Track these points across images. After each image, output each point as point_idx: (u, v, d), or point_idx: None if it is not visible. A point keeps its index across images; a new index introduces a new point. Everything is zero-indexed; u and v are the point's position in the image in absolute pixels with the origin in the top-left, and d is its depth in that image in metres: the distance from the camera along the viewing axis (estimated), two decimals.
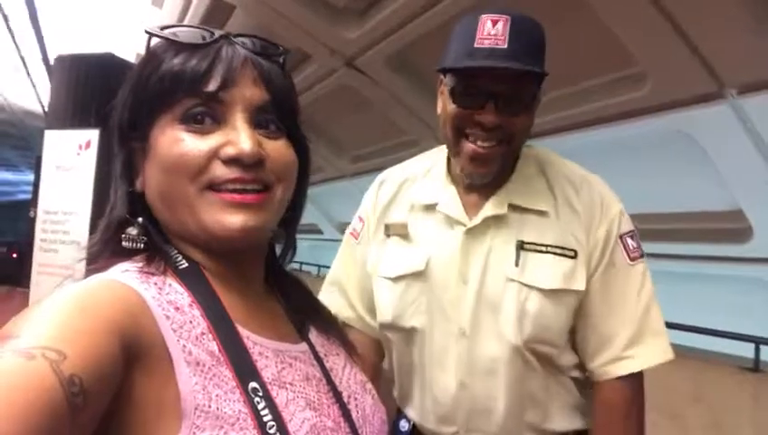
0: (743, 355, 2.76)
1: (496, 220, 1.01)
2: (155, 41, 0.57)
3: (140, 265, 0.53)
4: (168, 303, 0.49)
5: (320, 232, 7.77)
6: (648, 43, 2.23)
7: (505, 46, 0.88)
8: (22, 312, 0.43)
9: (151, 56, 0.56)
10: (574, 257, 0.98)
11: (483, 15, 0.91)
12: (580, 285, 0.98)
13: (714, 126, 2.33)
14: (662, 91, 2.36)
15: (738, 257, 2.91)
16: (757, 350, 2.65)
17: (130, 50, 4.09)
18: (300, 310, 0.66)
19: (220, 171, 0.52)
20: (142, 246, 0.55)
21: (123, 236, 0.56)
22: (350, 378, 0.63)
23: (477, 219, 1.01)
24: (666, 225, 2.94)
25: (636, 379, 0.99)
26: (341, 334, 0.71)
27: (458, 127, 0.96)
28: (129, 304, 0.46)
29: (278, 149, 0.57)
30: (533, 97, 0.96)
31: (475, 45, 0.90)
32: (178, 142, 0.52)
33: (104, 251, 0.56)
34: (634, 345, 0.98)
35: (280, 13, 3.21)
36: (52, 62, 3.88)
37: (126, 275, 0.50)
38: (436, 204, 1.06)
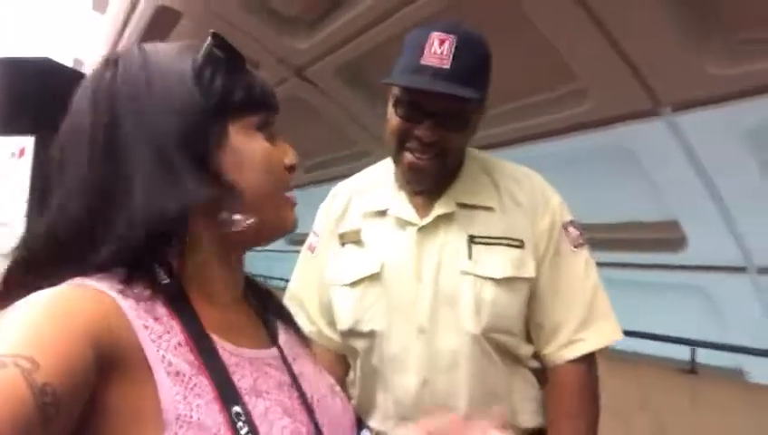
0: (679, 358, 2.91)
1: (446, 218, 1.05)
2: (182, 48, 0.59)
3: (118, 276, 0.51)
4: (145, 312, 0.49)
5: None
6: (588, 61, 2.33)
7: (448, 67, 0.92)
8: None
9: (208, 60, 0.57)
10: (522, 247, 1.03)
11: (432, 33, 0.94)
12: (530, 272, 1.02)
13: (650, 141, 2.45)
14: (602, 107, 2.46)
15: (674, 265, 3.05)
16: (693, 353, 2.79)
17: (68, 55, 3.93)
18: (267, 311, 0.68)
19: (287, 176, 0.63)
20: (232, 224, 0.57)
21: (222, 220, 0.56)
22: (318, 381, 0.64)
23: (429, 218, 1.05)
24: (605, 234, 3.06)
25: (589, 361, 1.04)
26: (301, 334, 0.72)
27: (400, 139, 1.01)
28: (105, 311, 0.46)
29: None
30: (472, 114, 1.01)
31: (421, 62, 0.94)
32: (265, 147, 0.59)
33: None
34: (584, 329, 1.03)
35: (228, 21, 3.17)
36: None
37: (103, 282, 0.49)
38: (387, 209, 1.10)
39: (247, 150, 0.58)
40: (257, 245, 0.62)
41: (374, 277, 1.06)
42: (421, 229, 1.05)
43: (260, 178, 0.58)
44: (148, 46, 0.59)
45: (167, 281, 0.53)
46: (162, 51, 0.59)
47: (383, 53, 2.95)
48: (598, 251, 1.12)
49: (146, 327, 0.48)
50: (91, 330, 0.43)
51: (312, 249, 1.19)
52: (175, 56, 0.58)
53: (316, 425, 0.58)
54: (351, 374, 1.15)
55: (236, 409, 0.48)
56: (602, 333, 1.04)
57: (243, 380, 0.52)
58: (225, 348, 0.53)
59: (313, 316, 1.16)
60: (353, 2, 2.73)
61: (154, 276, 0.52)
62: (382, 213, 1.10)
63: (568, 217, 1.08)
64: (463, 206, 1.06)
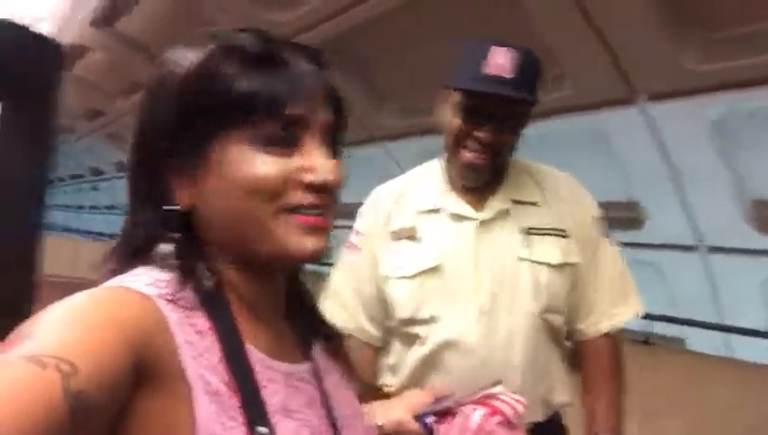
0: (635, 329, 3.13)
1: (501, 213, 1.16)
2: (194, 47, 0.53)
3: (165, 281, 0.50)
4: (189, 326, 0.48)
5: None
6: (570, 47, 2.42)
7: (510, 77, 1.04)
8: (40, 313, 0.42)
9: (205, 66, 0.51)
10: (567, 237, 1.16)
11: (492, 46, 1.07)
12: (576, 258, 1.16)
13: (624, 127, 2.59)
14: (580, 94, 2.57)
15: (633, 243, 3.26)
16: (649, 326, 3.01)
17: (32, 16, 3.68)
18: (308, 324, 0.65)
19: (299, 196, 0.51)
20: (174, 262, 0.52)
21: (153, 253, 0.52)
22: (345, 401, 0.63)
23: (489, 213, 1.16)
24: None
25: (620, 333, 1.20)
26: (343, 351, 0.69)
27: (459, 138, 1.12)
28: (150, 323, 0.45)
29: (338, 171, 0.54)
30: (525, 118, 1.15)
31: (485, 72, 1.05)
32: (255, 163, 0.50)
33: (122, 272, 0.52)
34: (617, 305, 1.19)
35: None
36: None
37: (151, 288, 0.48)
38: (440, 207, 1.18)
39: (228, 167, 0.51)
40: (279, 270, 0.58)
41: (433, 269, 1.14)
42: (481, 223, 1.15)
43: (237, 198, 0.51)
44: (172, 51, 0.54)
45: (210, 287, 0.52)
46: (183, 52, 0.53)
47: (362, 31, 2.95)
48: None
49: (188, 343, 0.47)
50: (135, 341, 0.43)
51: (352, 248, 1.25)
52: (183, 59, 0.52)
53: None
54: (391, 359, 1.22)
55: (262, 430, 0.48)
56: (632, 308, 1.20)
57: (275, 396, 0.52)
58: (260, 361, 0.53)
59: (354, 312, 1.22)
60: None
61: (200, 280, 0.51)
62: (436, 210, 1.19)
63: (598, 212, 1.23)
64: (515, 202, 1.17)
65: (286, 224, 0.51)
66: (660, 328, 3.11)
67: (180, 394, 0.45)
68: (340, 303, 1.23)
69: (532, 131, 2.95)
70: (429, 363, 1.14)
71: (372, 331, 1.22)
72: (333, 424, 0.57)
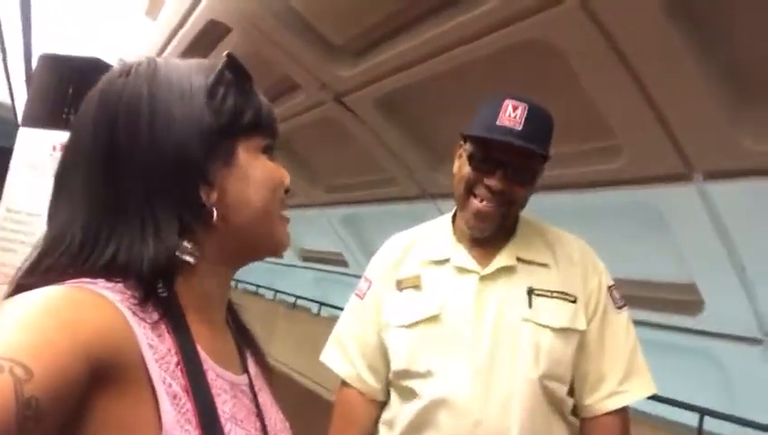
0: (687, 423, 2.89)
1: (507, 270, 1.15)
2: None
3: (122, 285, 0.51)
4: (152, 330, 0.50)
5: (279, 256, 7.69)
6: (627, 121, 2.38)
7: (521, 129, 1.07)
8: None
9: (221, 80, 0.59)
10: (575, 302, 1.13)
11: (506, 100, 1.10)
12: (582, 325, 1.13)
13: (679, 204, 2.48)
14: (635, 166, 2.50)
15: (688, 329, 3.06)
16: (701, 420, 2.77)
17: (115, 56, 4.04)
18: (242, 338, 0.69)
19: (284, 197, 0.65)
20: (196, 258, 0.56)
21: (179, 249, 0.55)
22: (276, 417, 0.65)
23: (491, 268, 1.14)
24: (625, 291, 3.06)
25: (626, 413, 1.15)
26: (268, 368, 0.73)
27: (469, 186, 1.14)
28: (111, 325, 0.46)
29: None
30: (535, 173, 1.15)
31: (497, 123, 1.08)
32: (270, 167, 0.63)
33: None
34: (626, 381, 1.13)
35: (276, 42, 3.26)
36: (34, 58, 3.79)
37: (115, 293, 0.49)
38: (447, 259, 1.18)
39: (253, 168, 0.60)
40: (254, 260, 0.66)
41: (433, 319, 1.13)
42: (483, 278, 1.13)
43: (263, 194, 0.61)
44: (162, 60, 0.60)
45: (165, 295, 0.53)
46: (174, 66, 0.59)
47: (419, 90, 3.03)
48: None
49: (151, 347, 0.48)
50: (94, 343, 0.43)
51: (360, 296, 1.26)
52: (187, 72, 0.59)
53: None
54: (388, 414, 1.19)
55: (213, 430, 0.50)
56: (642, 386, 1.14)
57: (224, 405, 0.54)
58: (213, 370, 0.55)
59: (354, 359, 1.21)
60: (400, 38, 2.81)
61: (156, 290, 0.53)
62: (442, 262, 1.19)
63: (611, 282, 1.19)
64: (521, 260, 1.16)
65: (281, 219, 0.64)
66: (713, 425, 2.85)
67: (144, 396, 0.46)
68: (342, 350, 1.23)
69: (583, 201, 2.91)
70: (423, 420, 1.10)
71: (371, 381, 1.19)
72: None
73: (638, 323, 3.21)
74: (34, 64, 3.61)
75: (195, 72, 0.59)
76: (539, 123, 1.10)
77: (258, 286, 8.44)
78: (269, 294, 7.98)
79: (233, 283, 0.70)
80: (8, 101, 6.97)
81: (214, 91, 0.58)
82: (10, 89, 6.13)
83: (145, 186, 0.54)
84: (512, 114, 1.08)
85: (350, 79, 3.24)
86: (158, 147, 0.55)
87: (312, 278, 6.83)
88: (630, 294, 3.04)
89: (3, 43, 4.47)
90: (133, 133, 0.55)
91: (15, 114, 4.47)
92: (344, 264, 5.66)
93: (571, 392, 1.13)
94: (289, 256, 7.27)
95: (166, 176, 0.54)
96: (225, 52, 0.61)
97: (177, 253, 0.55)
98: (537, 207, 3.02)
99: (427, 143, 3.56)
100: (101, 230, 0.53)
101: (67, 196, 0.56)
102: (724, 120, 2.06)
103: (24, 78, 4.38)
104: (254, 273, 8.90)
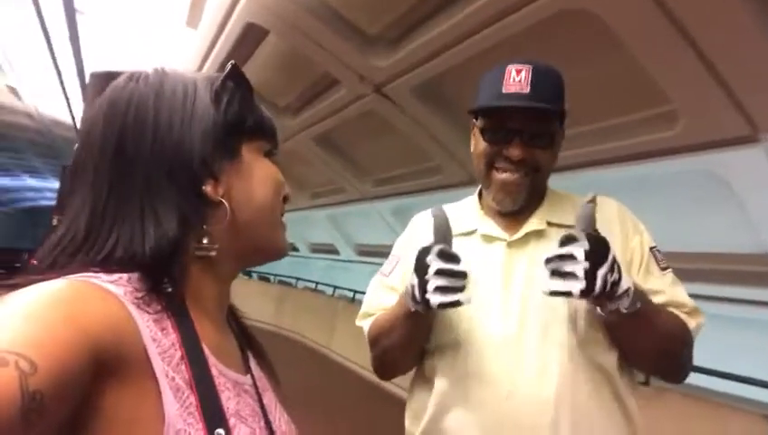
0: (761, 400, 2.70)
1: (537, 235, 1.09)
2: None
3: (127, 279, 0.52)
4: (155, 323, 0.50)
5: (336, 252, 7.80)
6: (682, 84, 2.23)
7: (528, 91, 1.01)
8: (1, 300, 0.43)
9: (225, 87, 0.62)
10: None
11: (509, 66, 1.03)
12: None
13: (746, 169, 2.32)
14: (694, 132, 2.35)
15: (765, 301, 2.85)
16: None
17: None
18: (243, 339, 0.69)
19: (283, 204, 0.66)
20: (215, 251, 0.58)
21: (198, 246, 0.57)
22: (281, 417, 0.65)
23: (519, 233, 1.09)
24: (692, 264, 2.90)
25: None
26: (273, 371, 0.73)
27: (489, 161, 1.08)
28: (115, 319, 0.46)
29: None
30: (555, 133, 1.07)
31: (503, 91, 1.03)
32: (273, 168, 0.65)
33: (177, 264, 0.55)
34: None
35: (313, 39, 3.27)
36: (86, 75, 3.96)
37: (118, 286, 0.49)
38: (474, 230, 1.13)
39: (257, 167, 0.62)
40: (254, 264, 0.66)
41: None
42: (510, 244, 1.08)
43: (267, 192, 0.62)
44: (170, 69, 0.62)
45: (169, 290, 0.54)
46: (181, 74, 0.62)
47: (458, 73, 2.97)
48: (682, 282, 1.09)
49: (154, 340, 0.48)
50: (98, 336, 0.43)
51: (385, 273, 1.22)
52: (192, 80, 0.61)
53: None
54: (414, 403, 1.14)
55: (220, 431, 0.49)
56: (693, 320, 1.03)
57: (228, 401, 0.53)
58: (216, 367, 0.54)
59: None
60: (434, 20, 2.75)
61: (160, 284, 0.53)
62: (469, 233, 1.14)
63: (653, 242, 1.10)
64: (552, 224, 1.09)
65: (280, 222, 0.66)
66: None
67: (147, 389, 0.46)
68: (371, 318, 1.18)
69: (641, 172, 2.76)
70: (451, 398, 1.04)
71: None
72: None
73: (712, 297, 3.05)
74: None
75: (200, 81, 0.62)
76: (547, 82, 1.03)
77: (317, 283, 8.60)
78: (328, 291, 8.13)
79: (293, 280, 0.71)
80: (69, 120, 7.37)
81: (218, 97, 0.61)
82: (70, 108, 6.47)
83: (148, 178, 0.56)
84: (516, 78, 1.02)
85: (388, 68, 3.21)
86: (161, 141, 0.56)
87: (368, 273, 6.84)
88: (701, 267, 2.90)
89: (57, 66, 4.70)
90: (140, 131, 0.56)
91: (77, 133, 4.69)
92: None
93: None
94: (346, 251, 7.36)
95: (168, 169, 0.56)
96: (231, 62, 0.63)
97: (196, 252, 0.56)
98: (591, 181, 2.91)
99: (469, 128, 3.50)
100: (104, 222, 0.54)
101: (75, 194, 0.57)
102: None
103: (81, 97, 4.60)
104: (313, 270, 9.08)
